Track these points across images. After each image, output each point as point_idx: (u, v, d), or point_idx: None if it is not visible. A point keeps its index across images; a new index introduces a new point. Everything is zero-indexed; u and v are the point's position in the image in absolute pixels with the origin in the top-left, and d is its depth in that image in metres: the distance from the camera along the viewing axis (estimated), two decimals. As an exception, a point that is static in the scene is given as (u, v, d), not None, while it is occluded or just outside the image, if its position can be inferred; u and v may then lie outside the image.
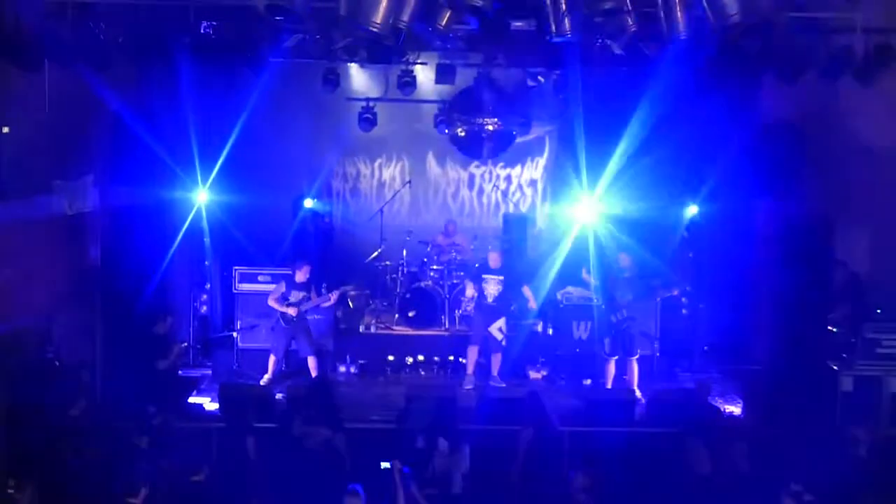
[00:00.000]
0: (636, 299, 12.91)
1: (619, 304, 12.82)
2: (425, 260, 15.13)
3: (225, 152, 14.30)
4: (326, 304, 13.37)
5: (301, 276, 13.00)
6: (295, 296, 12.96)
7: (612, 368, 12.91)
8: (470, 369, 13.28)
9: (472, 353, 13.27)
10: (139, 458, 8.77)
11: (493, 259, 13.48)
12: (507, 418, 11.39)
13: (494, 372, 13.23)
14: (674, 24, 9.48)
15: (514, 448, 9.91)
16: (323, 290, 13.13)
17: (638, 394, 12.62)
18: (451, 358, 13.69)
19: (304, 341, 13.04)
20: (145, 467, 8.32)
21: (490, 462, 10.20)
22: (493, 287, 13.26)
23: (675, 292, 13.54)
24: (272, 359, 13.08)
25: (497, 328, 13.15)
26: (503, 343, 13.22)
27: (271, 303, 13.06)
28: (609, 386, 12.88)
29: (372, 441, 10.35)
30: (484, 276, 13.40)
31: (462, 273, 14.61)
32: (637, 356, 12.90)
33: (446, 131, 15.36)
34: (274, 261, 14.20)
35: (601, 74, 13.03)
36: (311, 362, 13.03)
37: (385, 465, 8.67)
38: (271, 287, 13.77)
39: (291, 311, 12.90)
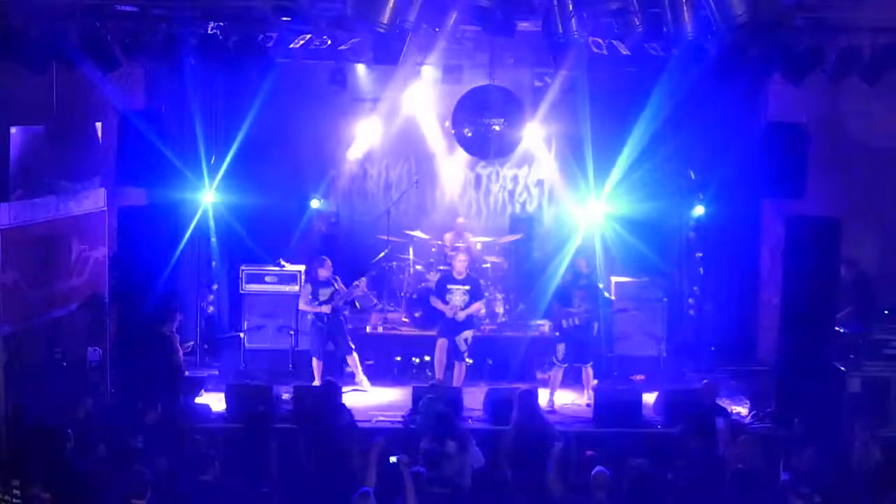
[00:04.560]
0: (593, 308, 12.71)
1: (573, 311, 12.62)
2: (432, 260, 15.11)
3: (232, 153, 14.33)
4: (357, 294, 13.44)
5: (324, 272, 12.97)
6: (324, 293, 12.91)
7: (558, 377, 12.65)
8: (439, 374, 12.99)
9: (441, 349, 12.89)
10: (138, 459, 8.78)
11: (461, 264, 12.93)
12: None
13: (457, 384, 12.73)
14: (681, 25, 9.49)
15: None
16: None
17: (586, 398, 12.53)
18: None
19: (342, 339, 12.98)
20: (148, 468, 8.31)
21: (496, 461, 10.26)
22: (457, 298, 12.79)
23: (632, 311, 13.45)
24: (315, 362, 13.01)
25: (463, 339, 12.79)
26: (466, 355, 12.85)
27: (303, 307, 13.08)
28: (551, 397, 12.48)
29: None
30: (448, 286, 12.96)
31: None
32: (590, 364, 12.69)
33: (453, 131, 15.34)
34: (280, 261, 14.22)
35: (608, 75, 13.04)
36: (352, 360, 13.02)
37: (392, 459, 8.67)
38: (278, 288, 13.83)
39: (325, 310, 12.86)
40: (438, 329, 13.08)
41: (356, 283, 13.23)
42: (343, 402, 11.15)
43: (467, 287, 12.89)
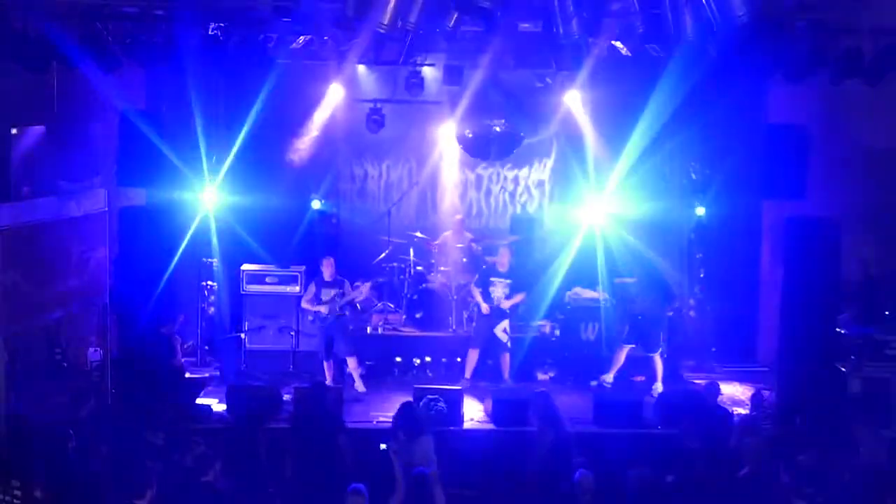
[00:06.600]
0: (656, 299, 13.15)
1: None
2: (433, 261, 15.10)
3: (233, 153, 14.31)
4: (360, 298, 13.45)
5: (327, 271, 12.94)
6: (326, 294, 12.88)
7: (620, 356, 13.20)
8: (468, 373, 13.21)
9: (473, 356, 13.19)
10: (152, 457, 8.78)
11: (504, 259, 13.34)
12: (517, 419, 11.45)
13: (506, 374, 13.15)
14: (681, 26, 9.50)
15: (525, 448, 9.96)
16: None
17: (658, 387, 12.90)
18: (459, 359, 13.59)
19: (342, 341, 12.94)
20: (155, 467, 8.31)
21: (500, 462, 10.27)
22: (500, 290, 13.12)
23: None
24: (325, 364, 13.02)
25: (502, 329, 13.06)
26: (508, 344, 13.13)
27: (304, 305, 13.10)
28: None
29: (378, 441, 10.34)
30: (492, 279, 13.24)
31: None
32: (657, 352, 13.14)
33: (454, 132, 15.33)
34: (281, 262, 14.20)
35: (609, 76, 13.03)
36: (351, 363, 13.00)
37: (383, 446, 8.69)
38: (279, 288, 13.81)
39: (323, 310, 12.83)
40: (475, 331, 13.50)
41: (358, 284, 13.22)
42: (330, 403, 10.96)
43: (509, 281, 13.16)
